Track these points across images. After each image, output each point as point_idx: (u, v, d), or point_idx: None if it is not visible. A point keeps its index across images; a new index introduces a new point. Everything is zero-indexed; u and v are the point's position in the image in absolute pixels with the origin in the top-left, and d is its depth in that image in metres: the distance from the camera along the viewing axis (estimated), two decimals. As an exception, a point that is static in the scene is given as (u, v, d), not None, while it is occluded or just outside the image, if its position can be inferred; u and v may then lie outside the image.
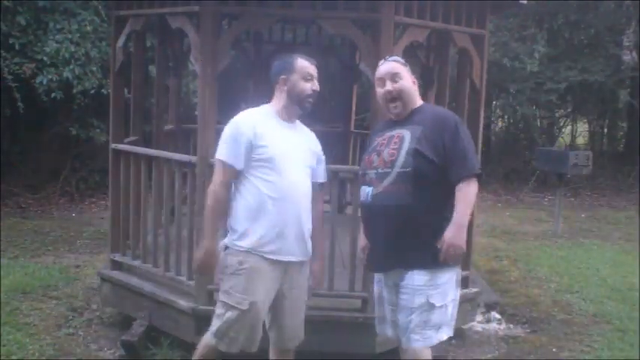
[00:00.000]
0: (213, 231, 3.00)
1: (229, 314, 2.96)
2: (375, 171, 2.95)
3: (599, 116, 13.50)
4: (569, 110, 13.39)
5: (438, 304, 2.89)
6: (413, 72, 3.15)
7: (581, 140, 14.66)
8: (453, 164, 2.86)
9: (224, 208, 3.01)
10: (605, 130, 13.82)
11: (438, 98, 5.06)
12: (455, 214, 2.84)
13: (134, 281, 4.30)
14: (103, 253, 6.01)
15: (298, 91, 3.01)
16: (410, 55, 4.83)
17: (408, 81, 3.01)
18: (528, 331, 4.83)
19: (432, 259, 2.87)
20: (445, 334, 2.95)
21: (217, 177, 2.98)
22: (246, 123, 2.97)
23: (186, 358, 3.90)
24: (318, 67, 3.10)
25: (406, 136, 2.91)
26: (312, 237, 3.14)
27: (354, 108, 7.33)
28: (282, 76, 3.03)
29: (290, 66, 3.03)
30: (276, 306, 3.08)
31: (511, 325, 4.92)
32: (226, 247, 3.01)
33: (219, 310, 3.03)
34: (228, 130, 2.99)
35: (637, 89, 11.54)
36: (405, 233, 2.88)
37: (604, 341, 4.59)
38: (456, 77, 4.56)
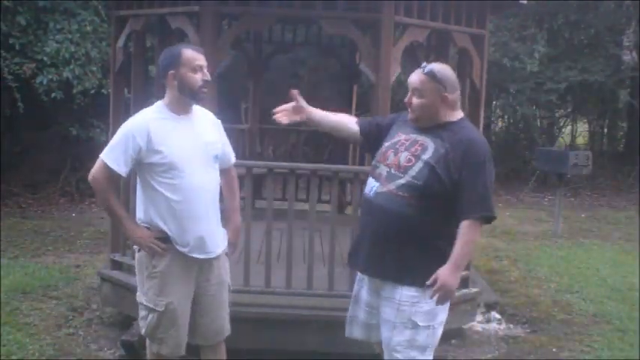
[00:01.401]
0: (121, 216, 2.99)
1: (150, 317, 3.01)
2: (388, 169, 2.80)
3: (599, 116, 13.49)
4: (569, 110, 13.38)
5: (422, 324, 2.77)
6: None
7: (581, 140, 14.65)
8: (467, 197, 2.69)
9: (113, 192, 2.98)
10: (605, 130, 13.80)
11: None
12: (455, 254, 2.68)
13: (134, 281, 4.24)
14: (103, 253, 6.01)
15: (189, 85, 2.88)
16: (410, 55, 4.82)
17: (429, 99, 2.79)
18: (528, 331, 4.83)
19: (423, 278, 2.71)
20: (430, 356, 2.84)
21: (100, 175, 2.90)
22: (139, 128, 2.87)
23: (186, 358, 3.89)
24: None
25: (429, 147, 2.75)
26: (228, 214, 3.16)
27: (354, 108, 7.32)
28: (171, 71, 2.89)
29: (176, 59, 2.89)
30: (196, 304, 3.07)
31: (511, 325, 4.92)
32: (139, 249, 3.00)
33: (141, 312, 3.06)
34: (120, 133, 2.91)
35: (637, 89, 11.54)
36: (398, 243, 2.75)
37: (604, 341, 4.59)
38: (456, 77, 4.55)
